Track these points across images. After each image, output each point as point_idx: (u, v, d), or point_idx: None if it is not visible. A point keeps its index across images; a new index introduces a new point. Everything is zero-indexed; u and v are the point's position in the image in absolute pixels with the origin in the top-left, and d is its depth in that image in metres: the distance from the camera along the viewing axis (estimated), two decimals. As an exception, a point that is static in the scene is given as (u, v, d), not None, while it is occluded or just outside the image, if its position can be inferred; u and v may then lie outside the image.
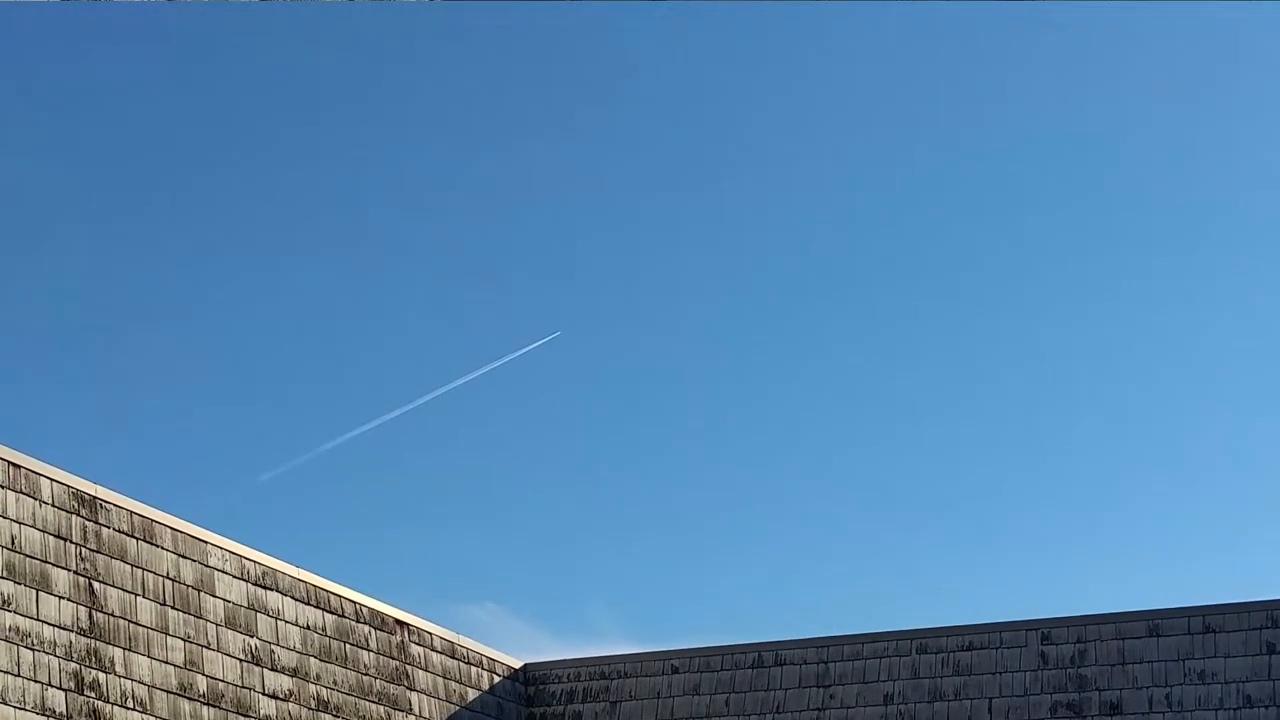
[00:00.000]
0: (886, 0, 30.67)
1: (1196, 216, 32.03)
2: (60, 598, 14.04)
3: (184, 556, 15.28)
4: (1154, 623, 18.10)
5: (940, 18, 30.95)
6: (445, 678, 18.36)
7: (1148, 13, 30.59)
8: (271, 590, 16.19)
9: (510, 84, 31.88)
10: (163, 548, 15.07)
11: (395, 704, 17.49)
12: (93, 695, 14.10)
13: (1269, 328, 32.23)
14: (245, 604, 15.84)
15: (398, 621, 17.80)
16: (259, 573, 16.08)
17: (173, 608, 15.06)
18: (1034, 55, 31.69)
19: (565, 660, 19.97)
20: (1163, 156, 31.83)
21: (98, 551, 14.44)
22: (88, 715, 14.03)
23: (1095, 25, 30.83)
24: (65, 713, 13.84)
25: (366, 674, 17.20)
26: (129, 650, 14.54)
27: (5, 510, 13.77)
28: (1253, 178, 31.37)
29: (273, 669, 15.99)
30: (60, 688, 13.85)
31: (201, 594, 15.39)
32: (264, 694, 15.82)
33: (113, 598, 14.50)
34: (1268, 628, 17.72)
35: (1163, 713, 17.85)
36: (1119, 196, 32.14)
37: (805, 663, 19.14)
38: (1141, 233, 32.22)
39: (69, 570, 14.17)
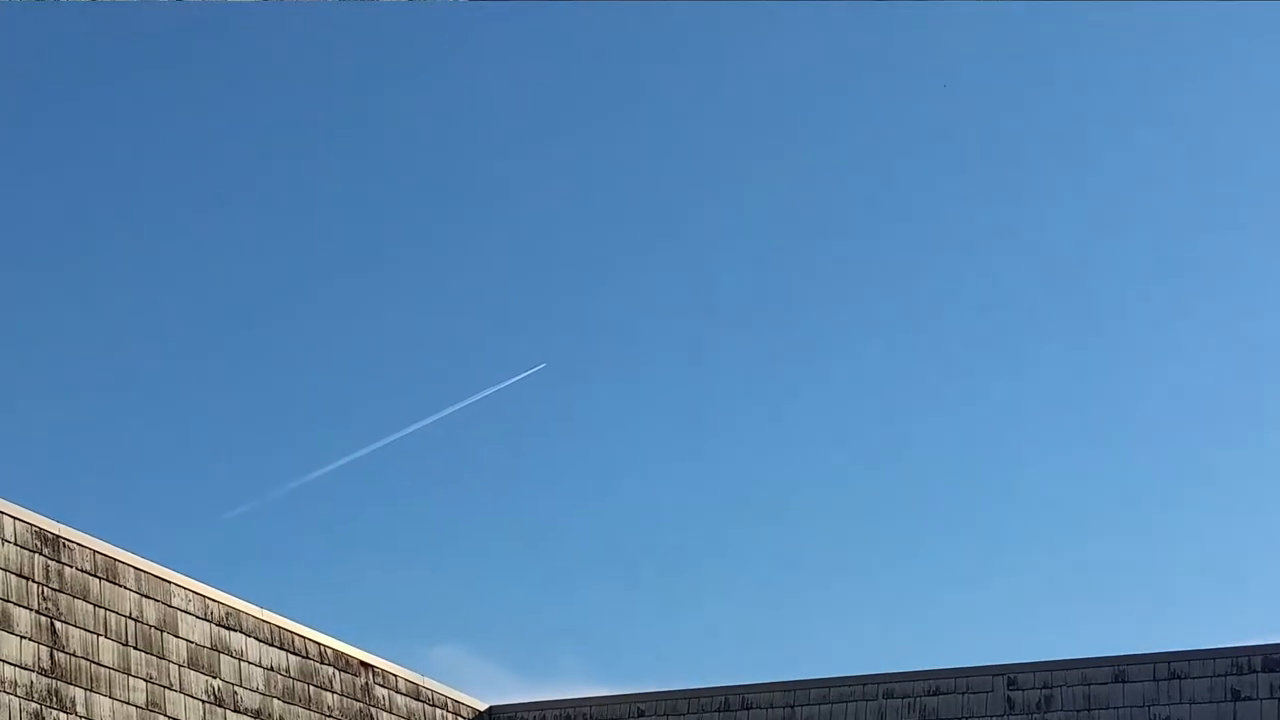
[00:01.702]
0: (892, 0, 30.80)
1: (1174, 266, 32.17)
2: (22, 637, 13.96)
3: (147, 596, 15.20)
4: (1120, 669, 18.11)
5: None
6: (409, 720, 18.31)
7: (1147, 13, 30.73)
8: (235, 631, 16.11)
9: (495, 116, 31.90)
10: (125, 587, 15.00)
11: (359, 746, 17.43)
12: (53, 736, 14.02)
13: (1234, 375, 32.33)
14: (208, 645, 15.76)
15: (362, 663, 17.73)
16: (222, 613, 16.01)
17: (135, 648, 14.98)
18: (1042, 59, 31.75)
19: (531, 703, 19.91)
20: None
21: (60, 591, 14.37)
22: (48, 756, 13.95)
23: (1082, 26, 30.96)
24: (25, 753, 13.76)
25: (330, 716, 17.12)
26: (91, 690, 14.45)
27: (-33, 549, 13.71)
28: (1238, 228, 31.51)
29: (236, 710, 15.91)
30: (20, 728, 13.77)
31: (164, 634, 15.31)
32: (226, 735, 15.75)
33: (74, 637, 14.42)
34: (1233, 674, 17.74)
35: (1128, 759, 17.87)
36: (1098, 247, 32.27)
37: (772, 706, 19.10)
38: (1115, 291, 32.36)
39: (31, 610, 14.09)
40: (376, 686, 17.87)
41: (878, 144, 32.09)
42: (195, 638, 15.62)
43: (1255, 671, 17.73)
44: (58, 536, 14.45)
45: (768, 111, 32.11)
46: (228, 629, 16.02)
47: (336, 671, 17.32)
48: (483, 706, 19.64)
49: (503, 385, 28.92)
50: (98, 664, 14.58)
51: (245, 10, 29.77)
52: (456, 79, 31.69)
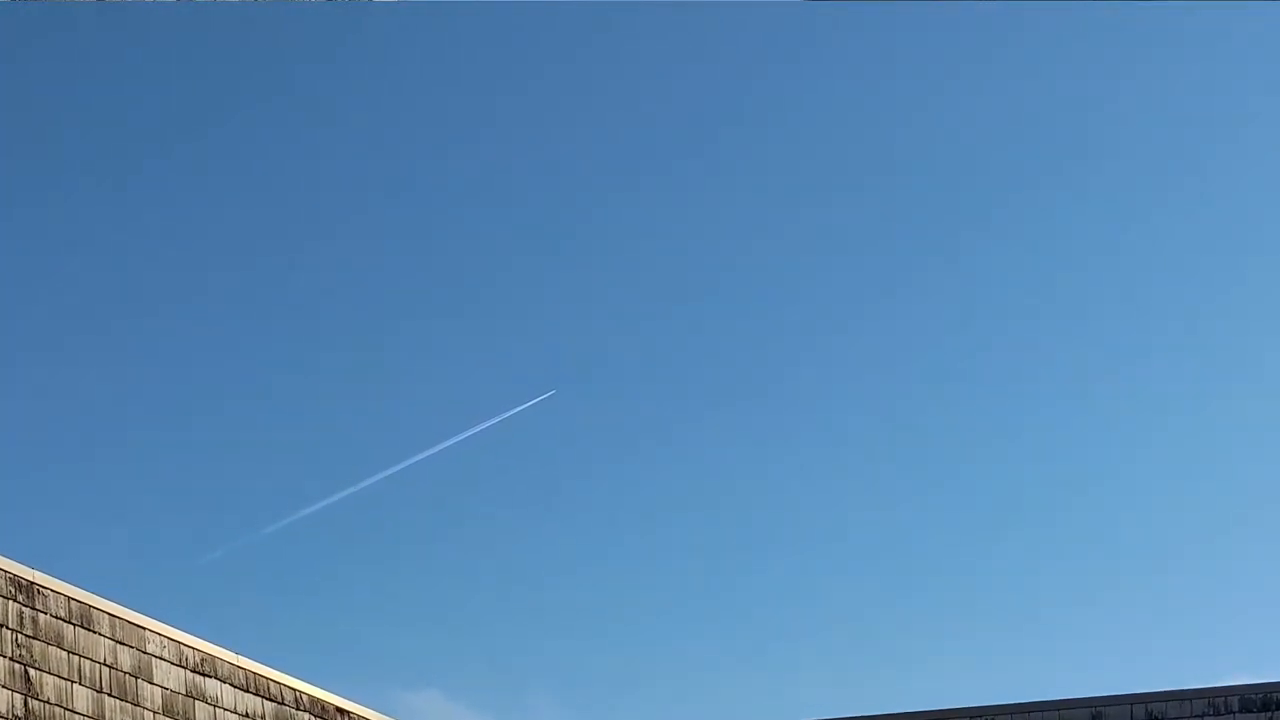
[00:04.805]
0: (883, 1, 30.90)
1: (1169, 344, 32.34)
2: (-5, 685, 13.90)
3: (121, 643, 15.14)
4: (1097, 710, 18.12)
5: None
6: (385, 766, 18.24)
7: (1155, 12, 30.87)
8: (210, 677, 16.05)
9: (504, 139, 31.89)
10: (100, 634, 14.93)
11: (335, 792, 17.35)
12: (27, 784, 13.95)
13: (1201, 428, 32.44)
14: (183, 691, 15.70)
15: (338, 709, 17.66)
16: (197, 659, 15.94)
17: (109, 695, 14.91)
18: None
19: (507, 748, 19.86)
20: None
21: (34, 638, 14.30)
22: (22, 804, 13.87)
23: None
24: (-1, 802, 13.69)
25: (306, 762, 17.06)
26: (65, 738, 14.39)
27: (-60, 596, 13.65)
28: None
29: (211, 757, 15.85)
30: (-6, 776, 13.70)
31: (139, 681, 15.24)
32: (202, 782, 15.68)
33: (49, 684, 14.35)
34: (1210, 715, 17.75)
35: (1106, 800, 17.86)
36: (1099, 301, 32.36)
37: (748, 750, 19.09)
38: (1104, 348, 32.47)
39: (5, 657, 14.02)
40: (352, 732, 17.80)
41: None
42: (170, 684, 15.56)
43: (1232, 712, 17.75)
44: (31, 583, 14.39)
45: (785, 131, 32.20)
46: (203, 675, 15.95)
47: (312, 717, 17.25)
48: (459, 752, 19.58)
49: (507, 415, 28.74)
50: (72, 711, 14.51)
51: (243, 10, 29.76)
52: (467, 100, 31.69)
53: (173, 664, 15.63)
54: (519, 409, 28.75)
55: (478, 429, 28.73)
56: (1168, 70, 32.22)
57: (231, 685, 16.27)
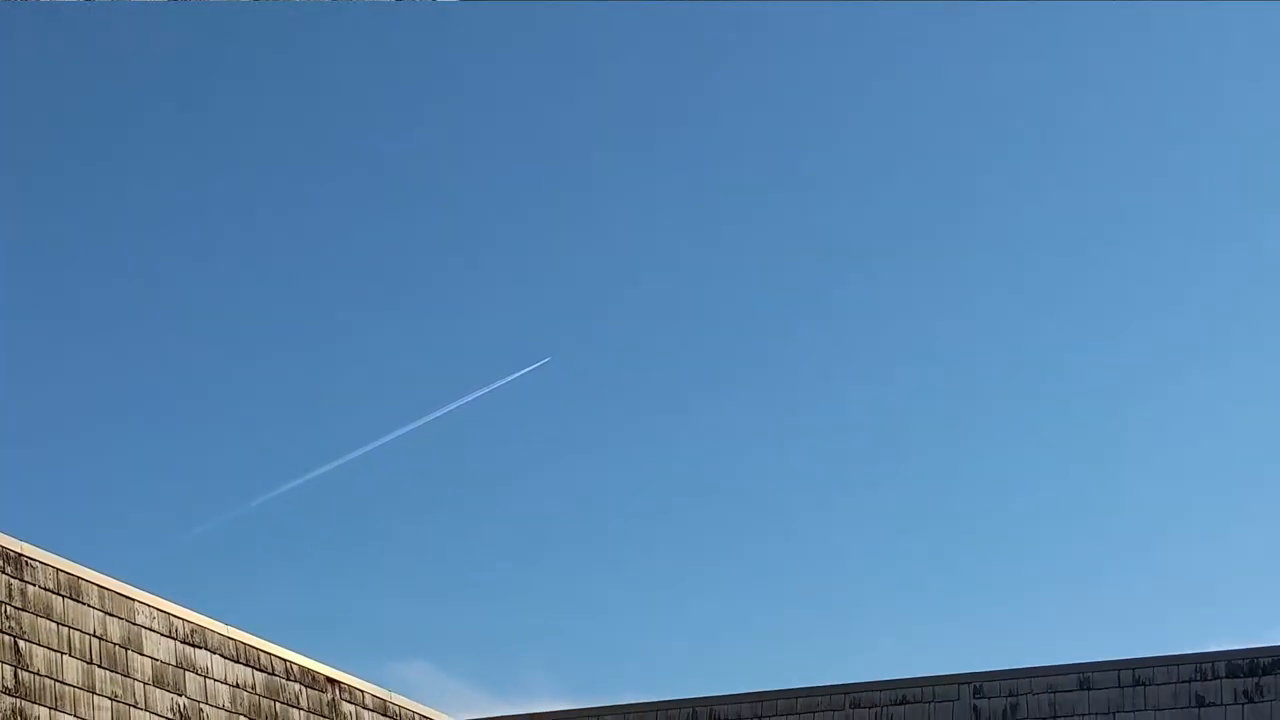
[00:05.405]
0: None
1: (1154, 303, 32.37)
2: (-15, 656, 13.92)
3: (111, 614, 15.16)
4: (1084, 676, 18.17)
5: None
6: (376, 735, 18.28)
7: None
8: (200, 648, 16.07)
9: (497, 109, 31.83)
10: (89, 605, 14.96)
11: (326, 762, 17.40)
12: (18, 755, 13.98)
13: (1189, 399, 32.52)
14: (174, 662, 15.73)
15: (328, 679, 17.69)
16: (187, 630, 15.97)
17: (100, 666, 14.94)
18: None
19: (499, 718, 19.89)
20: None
21: (23, 609, 14.33)
22: (13, 775, 13.91)
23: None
24: (-10, 773, 13.72)
25: (296, 732, 17.09)
26: (55, 709, 14.41)
27: (-71, 568, 13.66)
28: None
29: (201, 727, 15.88)
30: (-15, 747, 13.73)
31: (129, 652, 15.27)
32: (192, 753, 15.71)
33: (39, 656, 14.37)
34: (1197, 681, 17.80)
35: (1094, 766, 17.93)
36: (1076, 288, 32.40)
37: (739, 718, 19.11)
38: (1086, 312, 32.51)
39: (-6, 629, 14.06)
40: (343, 702, 17.83)
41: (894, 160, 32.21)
42: (160, 655, 15.58)
43: (1219, 677, 17.80)
44: (20, 554, 14.41)
45: (780, 116, 32.19)
46: (193, 646, 15.98)
47: (303, 688, 17.28)
48: (450, 721, 19.61)
49: (497, 384, 28.65)
50: (62, 683, 14.54)
51: (243, 10, 29.72)
52: (457, 76, 31.65)
53: (162, 635, 15.66)
54: (513, 377, 28.71)
55: (471, 397, 28.69)
56: (1146, 64, 32.31)
57: (221, 656, 16.30)
